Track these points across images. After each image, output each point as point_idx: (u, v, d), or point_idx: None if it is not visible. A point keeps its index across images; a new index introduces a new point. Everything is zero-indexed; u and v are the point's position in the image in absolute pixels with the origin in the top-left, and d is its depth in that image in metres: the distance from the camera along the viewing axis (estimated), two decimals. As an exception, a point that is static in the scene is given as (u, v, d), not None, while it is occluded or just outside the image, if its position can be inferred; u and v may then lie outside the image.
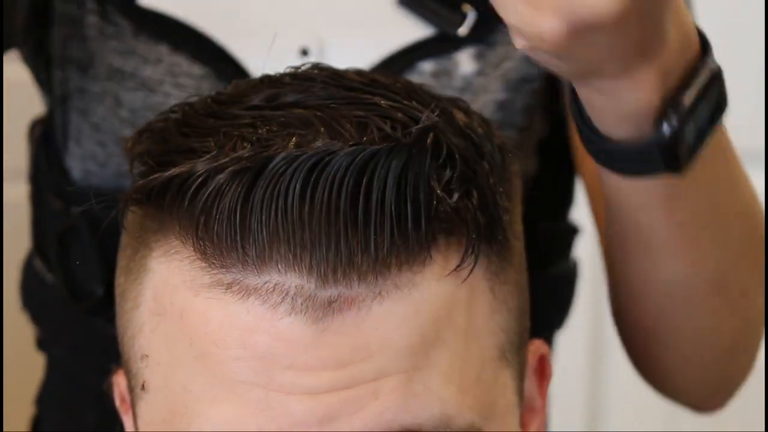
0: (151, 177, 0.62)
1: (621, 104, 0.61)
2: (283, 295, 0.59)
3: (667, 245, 0.72)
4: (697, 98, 0.62)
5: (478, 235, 0.62)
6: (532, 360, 0.71)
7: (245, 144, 0.61)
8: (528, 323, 0.69)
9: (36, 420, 0.98)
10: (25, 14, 0.81)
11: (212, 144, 0.62)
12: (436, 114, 0.63)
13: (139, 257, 0.65)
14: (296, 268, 0.59)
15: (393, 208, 0.59)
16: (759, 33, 1.49)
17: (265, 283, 0.60)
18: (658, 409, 1.14)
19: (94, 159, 0.81)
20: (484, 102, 0.81)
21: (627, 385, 0.91)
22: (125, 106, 0.80)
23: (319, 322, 0.59)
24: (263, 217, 0.59)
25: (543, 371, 0.73)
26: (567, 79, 0.63)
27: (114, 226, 0.67)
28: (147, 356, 0.63)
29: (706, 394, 0.82)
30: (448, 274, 0.62)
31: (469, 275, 0.62)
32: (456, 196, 0.61)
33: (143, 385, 0.64)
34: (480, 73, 0.82)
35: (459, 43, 0.82)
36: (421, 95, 0.67)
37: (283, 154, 0.59)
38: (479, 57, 0.82)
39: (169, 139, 0.65)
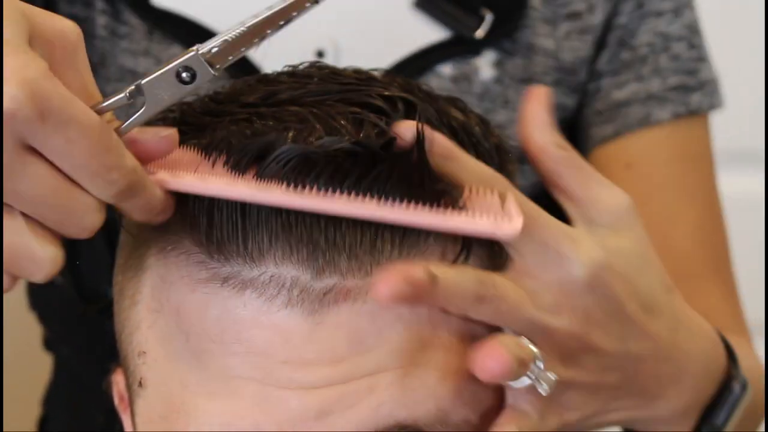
0: None
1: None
2: (279, 287, 0.60)
3: None
4: (728, 416, 0.68)
5: (471, 242, 0.62)
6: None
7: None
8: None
9: (42, 420, 0.98)
10: None
11: (207, 140, 0.62)
12: (433, 112, 0.63)
13: (137, 255, 0.65)
14: (292, 260, 0.59)
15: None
16: (759, 33, 1.49)
17: (261, 275, 0.60)
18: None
19: None
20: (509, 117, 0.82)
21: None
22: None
23: (315, 314, 0.59)
24: (262, 209, 0.59)
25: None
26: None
27: None
28: (144, 353, 0.64)
29: None
30: None
31: None
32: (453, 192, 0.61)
33: (140, 382, 0.64)
34: (498, 80, 0.82)
35: (477, 48, 0.83)
36: (418, 94, 0.67)
37: (284, 148, 0.59)
38: (498, 65, 0.83)
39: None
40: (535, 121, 0.62)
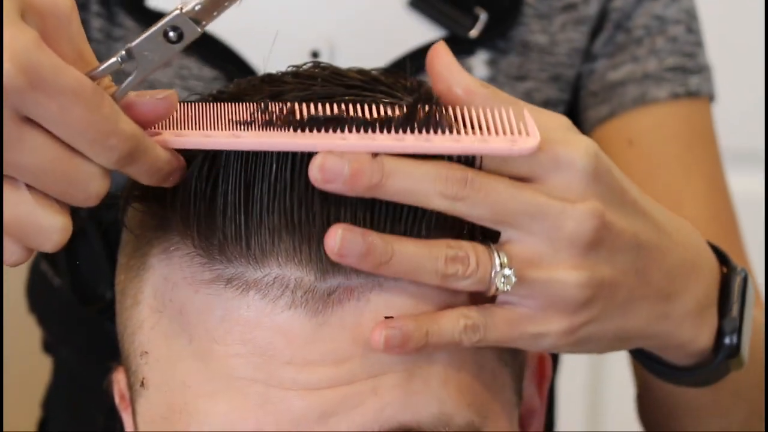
0: None
1: (686, 350, 0.67)
2: (283, 288, 0.60)
3: (707, 409, 0.77)
4: (740, 307, 0.67)
5: (474, 230, 0.62)
6: (531, 361, 0.71)
7: None
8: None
9: (42, 422, 0.98)
10: None
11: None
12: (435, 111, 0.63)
13: (140, 254, 0.65)
14: (296, 260, 0.59)
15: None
16: (759, 33, 1.49)
17: (265, 276, 0.60)
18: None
19: None
20: None
21: (627, 385, 0.91)
22: None
23: (319, 314, 0.59)
24: (265, 210, 0.59)
25: (542, 372, 0.73)
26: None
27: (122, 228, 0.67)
28: (147, 353, 0.64)
29: None
30: None
31: None
32: None
33: (143, 382, 0.64)
34: (492, 79, 0.82)
35: (471, 47, 0.83)
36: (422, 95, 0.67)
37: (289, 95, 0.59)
38: (491, 63, 0.82)
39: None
40: (451, 70, 0.61)
